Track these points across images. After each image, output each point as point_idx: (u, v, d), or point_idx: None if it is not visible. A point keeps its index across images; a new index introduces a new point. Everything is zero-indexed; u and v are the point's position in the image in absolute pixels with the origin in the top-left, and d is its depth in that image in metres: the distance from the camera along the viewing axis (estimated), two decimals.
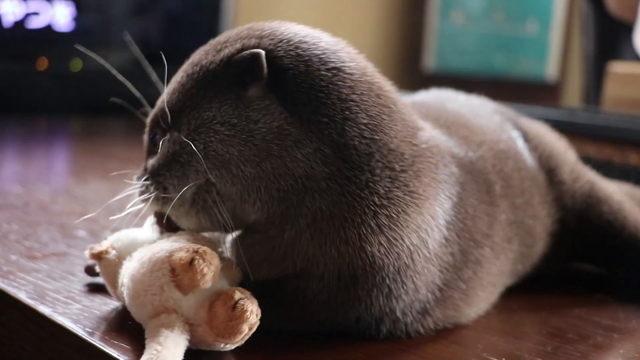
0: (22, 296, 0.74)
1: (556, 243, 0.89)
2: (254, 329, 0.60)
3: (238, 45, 0.65)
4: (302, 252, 0.63)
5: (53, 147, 1.76)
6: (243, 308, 0.58)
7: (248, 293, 0.60)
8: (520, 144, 0.89)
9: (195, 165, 0.65)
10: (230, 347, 0.61)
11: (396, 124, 0.66)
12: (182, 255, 0.60)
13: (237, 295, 0.59)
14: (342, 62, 0.65)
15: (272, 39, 0.65)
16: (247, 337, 0.60)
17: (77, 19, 2.47)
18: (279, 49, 0.64)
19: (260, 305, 0.61)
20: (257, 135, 0.62)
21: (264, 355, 0.64)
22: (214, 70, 0.65)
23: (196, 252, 0.60)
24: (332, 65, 0.64)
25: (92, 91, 2.43)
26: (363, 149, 0.63)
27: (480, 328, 0.76)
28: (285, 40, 0.65)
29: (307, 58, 0.64)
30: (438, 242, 0.68)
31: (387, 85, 0.69)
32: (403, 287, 0.66)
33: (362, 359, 0.65)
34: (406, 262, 0.65)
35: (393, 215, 0.63)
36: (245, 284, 0.65)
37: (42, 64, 2.41)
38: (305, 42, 0.65)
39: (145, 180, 0.69)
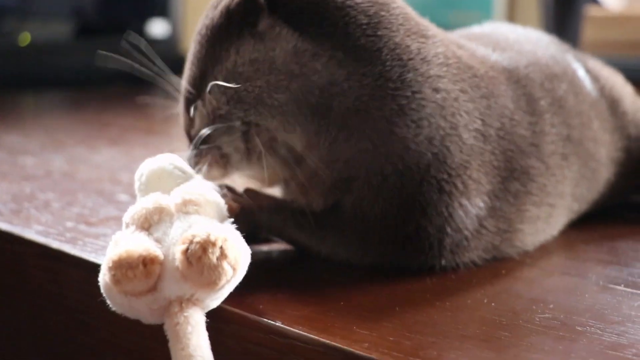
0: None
1: (621, 172, 0.89)
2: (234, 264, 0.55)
3: None
4: (342, 157, 0.67)
5: (39, 120, 1.66)
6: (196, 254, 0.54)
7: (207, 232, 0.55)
8: (581, 73, 0.88)
9: (234, 111, 0.67)
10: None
11: (397, 19, 0.69)
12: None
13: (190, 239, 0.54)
14: None
15: None
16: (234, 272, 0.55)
17: None
18: None
19: (326, 240, 0.67)
20: (278, 60, 0.66)
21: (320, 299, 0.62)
22: (219, 25, 0.69)
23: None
24: None
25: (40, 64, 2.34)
26: (370, 46, 0.67)
27: (586, 257, 0.75)
28: None
29: None
30: (472, 134, 0.69)
31: None
32: (451, 181, 0.67)
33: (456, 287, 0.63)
34: (441, 149, 0.67)
35: (409, 94, 0.67)
36: (308, 219, 0.68)
37: None
38: None
39: (195, 149, 0.70)
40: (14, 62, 2.31)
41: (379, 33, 0.67)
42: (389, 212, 0.67)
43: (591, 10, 1.92)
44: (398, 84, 0.67)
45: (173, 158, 0.66)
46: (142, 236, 0.57)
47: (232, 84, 0.67)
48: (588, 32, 1.90)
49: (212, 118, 0.69)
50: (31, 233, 0.77)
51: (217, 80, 0.68)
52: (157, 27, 2.77)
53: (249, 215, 0.70)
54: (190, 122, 0.73)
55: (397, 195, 0.67)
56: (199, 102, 0.70)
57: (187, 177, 0.65)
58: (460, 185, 0.68)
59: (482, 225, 0.70)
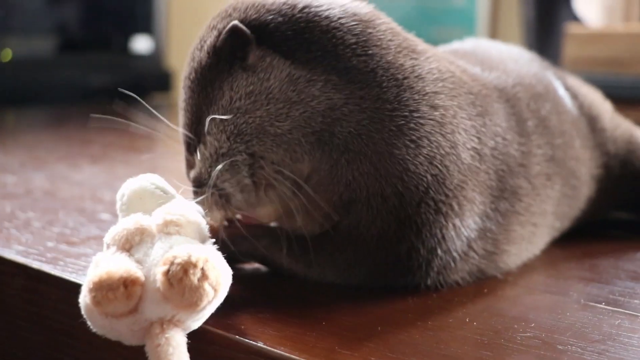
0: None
1: (601, 188, 0.90)
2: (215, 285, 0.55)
3: (215, 32, 0.69)
4: (343, 180, 0.67)
5: (19, 137, 1.65)
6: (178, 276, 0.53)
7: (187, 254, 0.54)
8: (561, 91, 0.89)
9: (237, 146, 0.66)
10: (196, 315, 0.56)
11: (385, 34, 0.69)
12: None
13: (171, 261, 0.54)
14: (310, 1, 0.69)
15: (239, 11, 0.69)
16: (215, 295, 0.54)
17: None
18: (250, 13, 0.68)
19: (312, 264, 0.67)
20: (274, 90, 0.66)
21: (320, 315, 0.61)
22: (208, 65, 0.68)
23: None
24: (301, 6, 0.68)
25: (22, 81, 2.33)
26: (362, 66, 0.67)
27: (567, 275, 0.75)
28: (250, 6, 0.69)
29: (277, 9, 0.68)
30: (469, 153, 0.69)
31: (362, 8, 0.71)
32: (448, 202, 0.67)
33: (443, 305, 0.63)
34: (441, 170, 0.67)
35: (406, 114, 0.66)
36: (298, 240, 0.67)
37: None
38: (267, 1, 0.69)
39: (197, 191, 0.70)
40: None
41: (370, 52, 0.67)
42: (386, 233, 0.67)
43: (571, 28, 1.93)
44: (395, 104, 0.66)
45: (154, 178, 0.66)
46: (123, 257, 0.57)
47: (231, 120, 0.66)
48: (568, 49, 1.92)
49: (216, 159, 0.68)
50: (11, 253, 0.76)
51: (214, 119, 0.67)
52: (141, 43, 2.77)
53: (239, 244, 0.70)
54: (189, 170, 0.72)
55: (394, 216, 0.66)
56: (201, 146, 0.69)
57: (168, 197, 0.65)
58: (455, 206, 0.68)
59: (471, 247, 0.70)
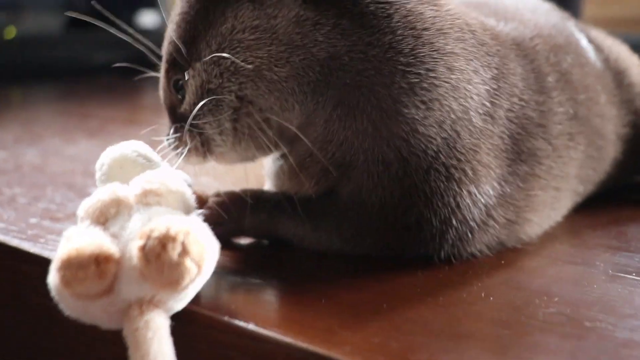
0: None
1: (628, 149, 0.84)
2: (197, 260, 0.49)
3: None
4: (334, 139, 0.61)
5: (18, 113, 1.60)
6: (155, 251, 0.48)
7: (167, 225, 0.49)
8: (584, 43, 0.82)
9: (228, 85, 0.61)
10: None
11: None
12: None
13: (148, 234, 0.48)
14: None
15: None
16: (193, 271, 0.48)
17: None
18: None
19: (319, 227, 0.62)
20: (279, 30, 0.60)
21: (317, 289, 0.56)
22: None
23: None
24: None
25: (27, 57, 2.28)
26: (380, 12, 0.61)
27: (592, 244, 0.69)
28: None
29: None
30: (481, 117, 0.63)
31: None
32: (460, 167, 0.61)
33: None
34: (451, 133, 0.61)
35: (422, 72, 0.60)
36: (296, 207, 0.62)
37: None
38: None
39: (176, 130, 0.64)
40: (0, 55, 2.25)
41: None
42: (388, 202, 0.61)
43: None
44: (410, 58, 0.60)
45: (137, 145, 0.61)
46: (97, 231, 0.51)
47: (228, 52, 0.60)
48: (588, 9, 1.84)
49: (201, 93, 0.62)
50: None
51: (210, 46, 0.61)
52: (147, 18, 2.71)
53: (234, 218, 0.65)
54: (171, 95, 0.66)
55: (398, 184, 0.61)
56: (189, 72, 0.63)
57: (152, 165, 0.59)
58: (469, 172, 0.62)
59: (490, 216, 0.64)
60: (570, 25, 0.84)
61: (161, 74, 0.67)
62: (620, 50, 0.88)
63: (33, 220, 0.74)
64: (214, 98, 0.61)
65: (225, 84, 0.61)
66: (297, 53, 0.60)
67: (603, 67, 0.83)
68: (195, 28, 0.62)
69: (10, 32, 2.36)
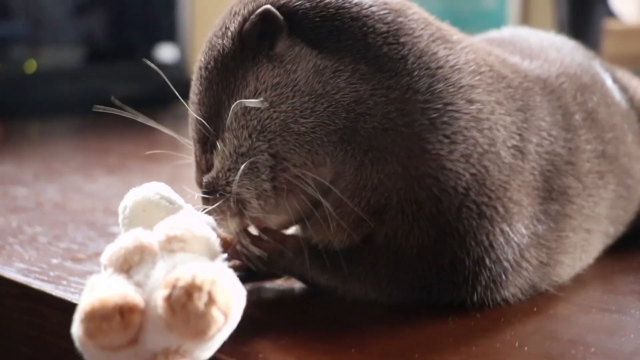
0: None
1: None
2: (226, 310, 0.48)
3: (239, 18, 0.63)
4: (369, 184, 0.61)
5: (37, 148, 1.61)
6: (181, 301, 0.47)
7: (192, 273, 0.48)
8: (609, 82, 0.81)
9: (258, 144, 0.61)
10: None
11: (417, 24, 0.64)
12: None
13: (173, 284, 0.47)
14: None
15: None
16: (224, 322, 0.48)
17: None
18: None
19: (352, 278, 0.61)
20: (300, 82, 0.61)
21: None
22: (230, 52, 0.63)
23: None
24: None
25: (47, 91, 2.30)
26: (393, 54, 0.61)
27: (626, 290, 0.67)
28: None
29: None
30: (510, 151, 0.62)
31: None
32: (491, 205, 0.60)
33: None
34: (479, 169, 0.60)
35: (440, 106, 0.60)
36: (329, 258, 0.61)
37: None
38: None
39: (208, 195, 0.63)
40: (20, 90, 2.27)
41: (401, 40, 0.62)
42: (426, 243, 0.60)
43: (609, 24, 1.84)
44: (427, 95, 0.60)
45: (160, 187, 0.60)
46: (121, 280, 0.50)
47: (254, 114, 0.61)
48: (607, 46, 1.83)
49: (235, 159, 0.62)
50: (11, 272, 0.70)
51: (236, 114, 0.61)
52: (166, 52, 2.73)
53: (273, 259, 0.64)
54: (205, 169, 0.65)
55: (433, 224, 0.59)
56: (218, 143, 0.62)
57: (175, 208, 0.58)
58: (501, 209, 0.60)
59: (523, 257, 0.62)
60: (596, 65, 0.83)
61: (195, 156, 0.66)
62: None
63: (55, 261, 0.74)
64: (249, 161, 0.61)
65: (255, 143, 0.61)
66: (320, 102, 0.60)
67: (628, 107, 0.82)
68: (219, 99, 0.63)
69: (31, 67, 2.38)
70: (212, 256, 0.54)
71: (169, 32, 2.72)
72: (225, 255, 0.56)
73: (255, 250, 0.63)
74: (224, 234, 0.62)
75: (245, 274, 0.68)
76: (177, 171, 1.26)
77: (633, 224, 0.80)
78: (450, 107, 0.60)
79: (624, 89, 0.84)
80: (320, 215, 0.62)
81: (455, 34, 0.66)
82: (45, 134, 1.95)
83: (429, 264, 0.60)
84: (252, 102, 0.61)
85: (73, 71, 2.48)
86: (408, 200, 0.60)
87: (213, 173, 0.63)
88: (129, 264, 0.51)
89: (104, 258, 0.53)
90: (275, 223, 0.65)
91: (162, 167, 1.32)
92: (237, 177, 0.61)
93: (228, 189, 0.62)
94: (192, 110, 0.65)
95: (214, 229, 0.58)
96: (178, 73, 2.69)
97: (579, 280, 0.69)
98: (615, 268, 0.74)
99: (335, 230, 0.62)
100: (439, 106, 0.60)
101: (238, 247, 0.64)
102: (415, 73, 0.61)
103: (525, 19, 3.50)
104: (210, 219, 0.60)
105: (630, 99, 0.83)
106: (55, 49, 2.47)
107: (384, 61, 0.61)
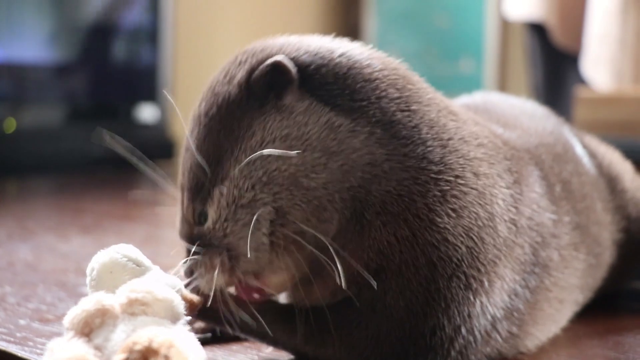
0: None
1: (622, 255, 0.83)
2: None
3: (246, 67, 0.62)
4: (375, 245, 0.60)
5: (13, 207, 1.60)
6: None
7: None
8: (579, 150, 0.83)
9: (263, 196, 0.59)
10: None
11: (425, 92, 0.64)
12: None
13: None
14: (347, 47, 0.64)
15: (274, 47, 0.63)
16: None
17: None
18: (289, 51, 0.62)
19: (323, 342, 0.60)
20: (312, 136, 0.60)
21: None
22: (236, 100, 0.61)
23: None
24: (340, 51, 0.63)
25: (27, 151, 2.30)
26: (407, 121, 0.61)
27: (591, 354, 0.68)
28: (287, 44, 0.63)
29: (315, 51, 0.62)
30: (506, 225, 0.62)
31: (399, 64, 0.65)
32: (479, 278, 0.60)
33: None
34: (476, 242, 0.60)
35: (451, 179, 0.61)
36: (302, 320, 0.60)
37: None
38: (303, 41, 0.64)
39: (195, 253, 0.61)
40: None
41: (413, 107, 0.62)
42: (414, 306, 0.59)
43: (582, 91, 1.89)
44: (440, 166, 0.61)
45: (127, 249, 0.60)
46: (80, 344, 0.50)
47: (259, 164, 0.59)
48: (579, 113, 1.87)
49: (233, 210, 0.60)
50: None
51: (239, 162, 0.59)
52: (147, 112, 2.75)
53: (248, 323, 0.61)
54: (193, 222, 0.62)
55: (425, 288, 0.59)
56: (216, 191, 0.60)
57: (142, 270, 0.59)
58: (486, 283, 0.61)
59: (495, 328, 0.63)
60: (566, 132, 0.85)
61: (182, 205, 0.63)
62: (613, 157, 0.89)
63: (22, 322, 0.73)
64: (251, 214, 0.59)
65: (259, 195, 0.59)
66: (334, 159, 0.59)
67: (597, 174, 0.83)
68: (221, 147, 0.61)
69: (11, 126, 2.39)
70: (174, 319, 0.54)
71: (149, 92, 2.74)
72: (188, 318, 0.56)
73: (235, 311, 0.61)
74: (190, 295, 0.62)
75: (211, 336, 0.69)
76: (152, 231, 1.27)
77: (600, 289, 0.81)
78: (460, 181, 0.61)
79: (592, 154, 0.86)
80: (315, 273, 0.61)
81: (453, 105, 0.67)
82: (22, 193, 1.94)
83: (411, 327, 0.60)
84: (280, 152, 0.59)
85: (53, 130, 2.48)
86: (407, 263, 0.59)
87: (209, 224, 0.61)
88: (90, 327, 0.52)
89: (66, 321, 0.53)
90: (273, 284, 0.62)
91: (137, 227, 1.33)
92: (236, 229, 0.59)
93: (225, 241, 0.60)
94: (188, 156, 0.63)
95: (179, 291, 0.58)
96: (159, 133, 2.72)
97: (546, 344, 0.70)
98: (580, 332, 0.75)
99: (322, 287, 0.61)
100: (450, 178, 0.61)
101: (216, 306, 0.61)
102: (429, 143, 0.61)
103: (502, 83, 3.58)
104: (177, 281, 0.60)
105: (599, 165, 0.85)
106: (36, 108, 2.48)
107: (398, 128, 0.61)
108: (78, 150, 2.42)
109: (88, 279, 0.59)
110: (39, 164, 2.28)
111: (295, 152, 0.59)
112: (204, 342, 0.66)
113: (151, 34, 2.68)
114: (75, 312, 0.53)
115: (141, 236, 1.14)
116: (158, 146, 2.75)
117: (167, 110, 2.71)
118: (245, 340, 0.67)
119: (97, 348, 0.50)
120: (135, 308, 0.53)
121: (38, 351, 0.65)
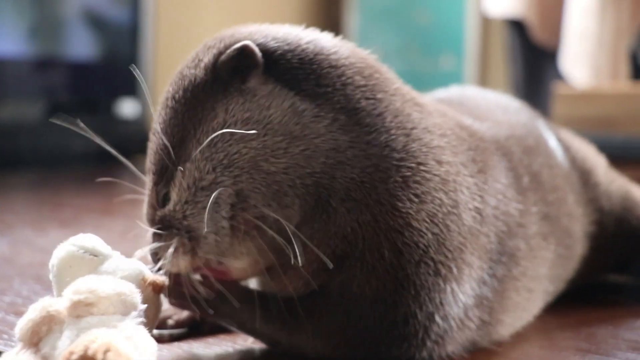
0: None
1: (595, 247, 0.85)
2: None
3: (214, 51, 0.63)
4: (341, 232, 0.60)
5: None
6: None
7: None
8: (552, 143, 0.84)
9: (223, 179, 0.59)
10: None
11: (392, 82, 0.65)
12: None
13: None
14: (315, 35, 0.65)
15: (243, 34, 0.64)
16: None
17: None
18: (256, 37, 0.63)
19: (297, 329, 0.60)
20: (274, 120, 0.60)
21: None
22: (201, 82, 0.62)
23: None
24: (308, 39, 0.64)
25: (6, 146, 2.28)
26: (371, 109, 0.62)
27: (563, 345, 0.69)
28: (254, 32, 0.64)
29: (283, 38, 0.63)
30: (471, 213, 0.63)
31: (367, 53, 0.66)
32: (447, 264, 0.61)
33: None
34: (441, 228, 0.61)
35: (413, 165, 0.62)
36: (277, 308, 0.61)
37: None
38: (272, 29, 0.65)
39: (157, 236, 0.61)
40: None
41: (378, 96, 0.62)
42: (382, 294, 0.60)
43: (560, 88, 1.91)
44: (403, 154, 0.61)
45: (84, 239, 0.59)
46: (27, 356, 0.50)
47: (220, 146, 0.59)
48: (557, 108, 1.89)
49: (193, 192, 0.60)
50: None
51: (200, 143, 0.60)
52: (127, 107, 2.74)
53: (219, 304, 0.62)
54: (157, 204, 0.62)
55: (392, 275, 0.60)
56: (178, 173, 0.60)
57: (100, 260, 0.57)
58: (454, 269, 0.62)
59: (467, 316, 0.63)
60: (540, 125, 0.86)
61: (148, 189, 0.64)
62: (586, 151, 0.90)
63: None
64: (211, 196, 0.59)
65: (219, 177, 0.59)
66: (296, 144, 0.60)
67: (570, 167, 0.85)
68: (184, 128, 0.61)
69: None
70: (126, 311, 0.53)
71: (130, 87, 2.73)
72: (139, 309, 0.54)
73: (203, 291, 0.61)
74: (153, 277, 0.60)
75: (190, 328, 0.69)
76: (131, 225, 1.26)
77: (572, 280, 0.82)
78: (422, 167, 0.62)
79: (566, 148, 0.87)
80: (280, 262, 0.61)
81: (420, 97, 0.68)
82: (1, 187, 1.93)
83: (381, 316, 0.60)
84: (239, 132, 0.59)
85: (33, 125, 2.47)
86: (371, 249, 0.60)
87: (170, 206, 0.61)
88: (38, 336, 0.51)
89: (16, 331, 0.52)
90: (234, 269, 0.62)
91: (116, 220, 1.32)
92: (196, 211, 0.59)
93: (184, 223, 0.60)
94: (154, 138, 0.63)
95: (140, 274, 0.57)
96: (139, 128, 2.71)
97: (518, 336, 0.71)
98: (554, 324, 0.76)
99: (292, 278, 0.61)
100: (412, 165, 0.61)
101: (185, 289, 0.61)
102: (393, 132, 0.62)
103: (482, 79, 3.60)
104: (139, 264, 0.59)
105: (573, 159, 0.86)
106: (15, 102, 2.46)
107: (362, 115, 0.61)
108: (58, 145, 2.41)
109: (51, 276, 0.59)
110: (19, 159, 2.27)
111: (254, 131, 0.59)
112: (181, 337, 0.67)
113: (132, 29, 2.67)
114: (22, 322, 0.52)
115: (120, 230, 1.14)
116: (138, 141, 2.74)
117: (147, 105, 2.70)
118: (222, 332, 0.67)
119: (45, 358, 0.50)
120: (80, 310, 0.51)
121: (12, 344, 0.65)
